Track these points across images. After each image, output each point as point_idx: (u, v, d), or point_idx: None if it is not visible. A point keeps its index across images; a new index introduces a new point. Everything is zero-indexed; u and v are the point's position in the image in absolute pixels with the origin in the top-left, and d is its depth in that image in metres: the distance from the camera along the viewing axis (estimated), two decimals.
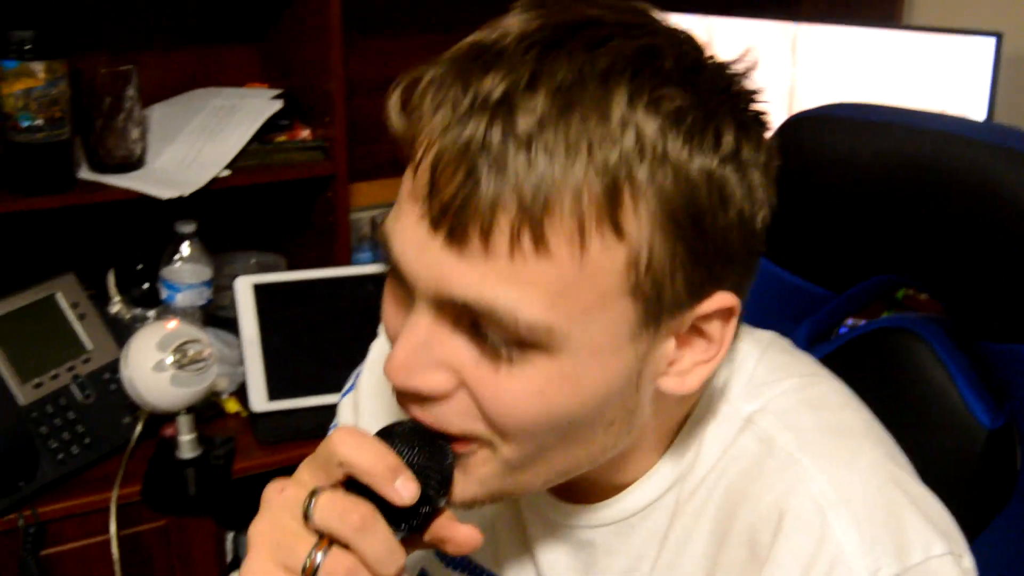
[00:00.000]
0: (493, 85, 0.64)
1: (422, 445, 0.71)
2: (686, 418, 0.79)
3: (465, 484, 0.73)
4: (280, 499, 0.71)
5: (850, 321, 1.07)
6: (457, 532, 0.72)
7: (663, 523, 0.79)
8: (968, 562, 0.73)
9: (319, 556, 0.67)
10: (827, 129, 0.99)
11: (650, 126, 0.64)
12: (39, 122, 1.64)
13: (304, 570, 0.67)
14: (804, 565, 0.71)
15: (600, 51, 0.65)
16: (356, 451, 0.69)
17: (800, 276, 1.03)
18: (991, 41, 1.81)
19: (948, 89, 1.85)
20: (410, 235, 0.68)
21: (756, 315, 0.82)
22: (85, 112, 1.73)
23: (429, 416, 0.71)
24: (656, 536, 0.79)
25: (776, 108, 0.75)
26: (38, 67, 1.62)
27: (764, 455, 0.76)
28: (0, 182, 1.67)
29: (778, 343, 0.85)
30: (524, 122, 0.63)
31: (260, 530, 0.70)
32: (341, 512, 0.68)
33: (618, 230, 0.65)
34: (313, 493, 0.68)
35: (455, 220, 0.65)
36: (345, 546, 0.67)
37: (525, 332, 0.66)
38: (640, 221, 0.65)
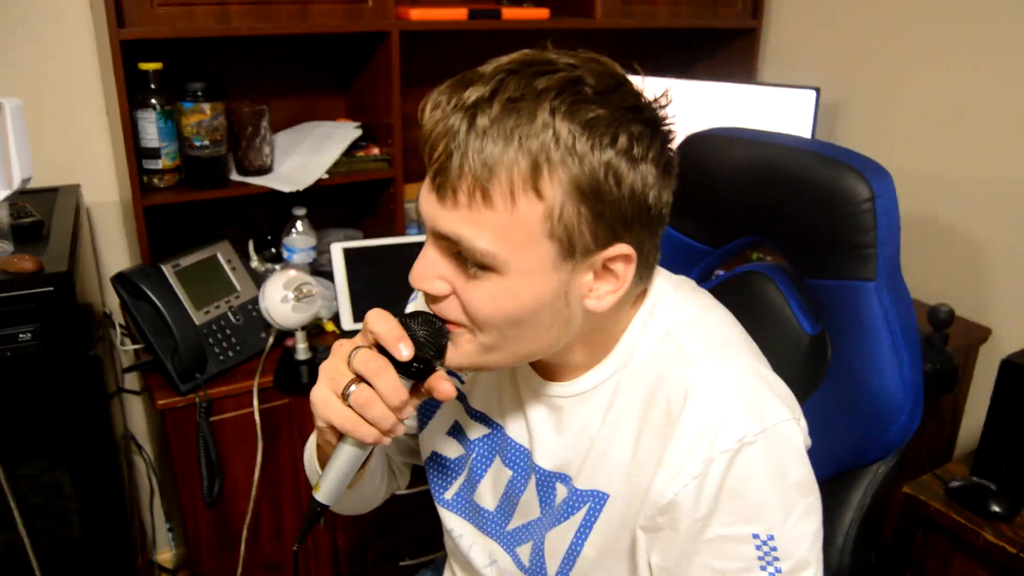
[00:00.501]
0: (468, 95, 0.64)
1: (428, 325, 0.72)
2: (625, 331, 0.78)
3: (454, 354, 0.73)
4: (338, 350, 0.73)
5: (721, 271, 1.08)
6: (441, 385, 0.72)
7: (608, 397, 0.79)
8: (803, 424, 0.75)
9: (352, 387, 0.70)
10: (711, 142, 0.99)
11: (564, 129, 0.64)
12: (206, 143, 1.63)
13: (343, 394, 0.70)
14: (701, 425, 0.71)
15: (542, 78, 0.65)
16: (377, 324, 0.70)
17: (692, 238, 1.04)
18: (812, 93, 1.81)
19: (786, 125, 1.81)
20: (423, 192, 0.69)
21: (666, 263, 0.82)
22: (235, 136, 1.72)
23: (436, 309, 0.73)
24: (603, 405, 0.79)
25: (679, 130, 0.74)
26: (206, 106, 1.61)
27: (677, 355, 0.76)
28: (181, 182, 1.66)
29: (688, 283, 0.84)
30: (482, 120, 0.63)
31: (324, 367, 0.73)
32: (367, 361, 0.69)
33: (538, 193, 0.65)
34: (355, 348, 0.71)
35: (439, 182, 0.66)
36: (369, 385, 0.69)
37: (480, 256, 0.67)
38: (554, 189, 0.65)
